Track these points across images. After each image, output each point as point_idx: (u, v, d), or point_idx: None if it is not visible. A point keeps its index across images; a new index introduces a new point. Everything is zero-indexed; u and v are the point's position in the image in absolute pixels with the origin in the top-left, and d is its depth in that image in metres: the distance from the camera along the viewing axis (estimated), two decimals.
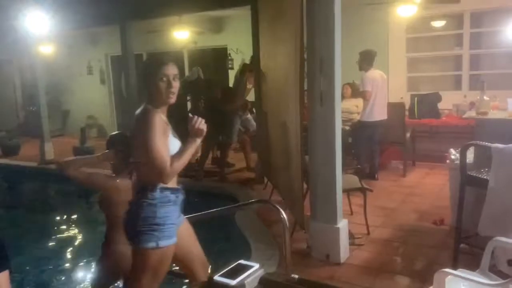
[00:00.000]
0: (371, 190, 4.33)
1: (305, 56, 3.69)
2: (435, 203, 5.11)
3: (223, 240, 4.48)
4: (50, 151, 8.90)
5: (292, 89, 3.92)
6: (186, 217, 3.56)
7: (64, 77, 12.00)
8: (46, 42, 10.02)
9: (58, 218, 6.05)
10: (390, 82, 7.65)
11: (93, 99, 11.80)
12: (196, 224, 4.17)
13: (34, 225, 5.60)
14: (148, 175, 2.17)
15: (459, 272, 2.21)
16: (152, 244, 2.10)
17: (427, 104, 6.79)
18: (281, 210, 2.89)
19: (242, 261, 1.66)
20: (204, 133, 2.25)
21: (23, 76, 12.14)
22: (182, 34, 8.76)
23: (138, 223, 2.15)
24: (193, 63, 9.98)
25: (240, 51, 9.04)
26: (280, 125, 4.56)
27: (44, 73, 9.44)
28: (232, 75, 8.70)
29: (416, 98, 6.83)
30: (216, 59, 10.09)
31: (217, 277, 1.55)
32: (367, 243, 4.06)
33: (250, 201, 3.04)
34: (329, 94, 3.50)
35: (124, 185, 2.71)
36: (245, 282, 1.53)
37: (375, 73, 6.07)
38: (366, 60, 6.02)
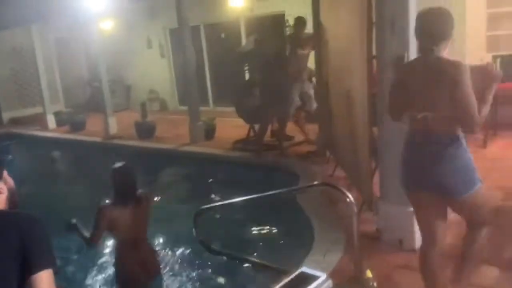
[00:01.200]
0: None
1: (373, 16, 3.24)
2: None
3: (284, 222, 4.23)
4: (113, 125, 9.09)
5: (357, 54, 3.49)
6: (244, 198, 3.36)
7: (125, 52, 12.14)
8: (106, 17, 10.11)
9: None
10: (467, 42, 6.89)
11: (154, 73, 11.88)
12: (255, 204, 4.01)
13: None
14: (454, 125, 2.24)
15: None
16: (480, 184, 2.37)
17: (510, 65, 6.00)
18: (348, 194, 2.56)
19: (305, 269, 1.37)
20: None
21: (88, 53, 12.46)
22: (237, 1, 8.40)
23: (464, 172, 2.34)
24: (250, 32, 9.63)
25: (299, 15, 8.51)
26: (344, 94, 4.15)
27: (105, 49, 9.56)
28: None
29: (498, 60, 6.06)
30: (274, 26, 9.64)
31: None
32: (448, 225, 3.62)
33: (313, 183, 2.74)
34: (403, 59, 3.03)
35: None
36: None
37: None
38: None
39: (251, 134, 6.86)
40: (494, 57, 6.19)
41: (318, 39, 5.53)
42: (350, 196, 2.49)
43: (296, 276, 1.34)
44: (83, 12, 8.34)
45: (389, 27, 3.04)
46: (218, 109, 10.54)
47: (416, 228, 3.25)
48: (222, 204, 3.35)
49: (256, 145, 6.41)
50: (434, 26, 2.30)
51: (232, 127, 7.95)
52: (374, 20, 3.22)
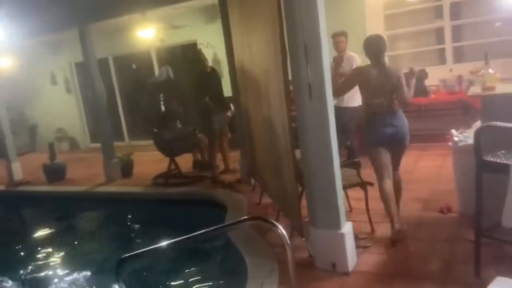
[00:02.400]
0: (371, 184, 3.94)
1: (286, 43, 3.26)
2: (437, 188, 4.78)
3: (215, 260, 4.04)
4: (18, 170, 8.29)
5: (274, 80, 3.49)
6: (172, 241, 3.13)
7: (27, 90, 11.29)
8: (3, 55, 9.35)
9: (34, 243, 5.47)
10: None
11: (61, 110, 11.16)
12: (184, 245, 3.77)
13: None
14: (396, 103, 3.71)
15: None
16: None
17: None
18: (280, 226, 2.45)
19: None
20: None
21: None
22: (147, 33, 8.20)
23: (407, 127, 3.83)
24: (162, 62, 9.44)
25: (210, 45, 8.52)
26: (263, 120, 4.13)
27: (4, 88, 8.79)
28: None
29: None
30: (186, 55, 9.56)
31: None
32: (374, 243, 3.68)
33: (241, 218, 2.60)
34: (319, 86, 3.07)
35: None
36: None
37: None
38: (346, 36, 5.76)
39: (172, 167, 6.60)
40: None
41: (233, 67, 5.52)
42: (281, 228, 2.39)
43: None
44: None
45: (303, 53, 3.06)
46: (134, 143, 10.13)
47: (348, 250, 3.26)
48: (148, 250, 3.07)
49: (211, 169, 6.20)
50: (379, 46, 3.73)
51: (151, 161, 7.63)
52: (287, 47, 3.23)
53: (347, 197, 4.38)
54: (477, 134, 2.76)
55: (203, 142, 6.79)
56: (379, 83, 3.64)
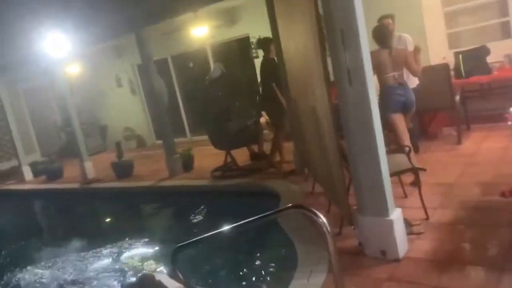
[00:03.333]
0: (424, 169, 3.81)
1: (325, 30, 3.24)
2: (500, 170, 4.50)
3: (266, 247, 4.14)
4: (90, 169, 8.93)
5: (315, 69, 3.48)
6: (221, 230, 3.28)
7: (96, 93, 12.08)
8: (71, 61, 10.06)
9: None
10: (429, 42, 6.99)
11: (127, 110, 11.82)
12: (235, 233, 3.90)
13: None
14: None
15: None
16: None
17: (474, 60, 6.08)
18: (319, 214, 2.47)
19: None
20: None
21: (58, 99, 12.33)
22: (201, 31, 8.44)
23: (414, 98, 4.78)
24: (217, 57, 9.67)
25: (261, 36, 8.57)
26: (310, 110, 4.13)
27: (74, 93, 9.48)
28: (257, 63, 8.32)
29: (460, 56, 6.14)
30: (240, 50, 9.71)
31: None
32: (427, 229, 3.57)
33: (284, 207, 2.65)
34: (358, 71, 3.03)
35: None
36: None
37: None
38: (393, 18, 5.63)
39: (228, 160, 6.78)
40: (456, 54, 6.26)
41: (281, 59, 5.54)
42: (321, 216, 2.41)
43: None
44: (48, 59, 8.27)
45: (340, 40, 3.03)
46: (195, 139, 10.48)
47: (398, 237, 3.21)
48: (200, 239, 3.22)
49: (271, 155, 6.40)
50: (382, 33, 4.74)
51: (210, 155, 7.88)
52: (325, 35, 3.22)
53: (401, 183, 4.28)
54: None
55: (261, 133, 6.92)
56: (389, 62, 4.63)
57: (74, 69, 11.13)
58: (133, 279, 3.06)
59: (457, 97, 5.83)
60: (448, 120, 6.15)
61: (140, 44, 7.33)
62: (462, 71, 6.05)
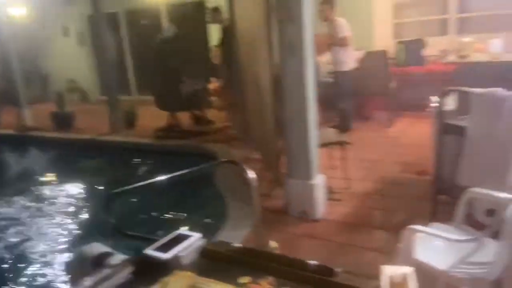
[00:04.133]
0: (348, 143, 4.16)
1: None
2: (420, 153, 4.95)
3: (199, 199, 4.38)
4: (29, 117, 8.66)
5: (261, 37, 3.67)
6: (152, 181, 3.46)
7: (40, 41, 11.53)
8: (16, 3, 9.55)
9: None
10: (376, 30, 7.37)
11: (73, 62, 11.41)
12: (171, 183, 4.11)
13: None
14: None
15: (429, 228, 2.08)
16: None
17: (412, 51, 6.52)
18: (248, 170, 2.71)
19: (181, 231, 1.50)
20: None
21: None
22: None
23: None
24: (171, 18, 9.57)
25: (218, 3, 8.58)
26: (254, 78, 4.33)
27: (17, 38, 9.04)
28: (213, 29, 8.34)
29: (400, 46, 6.56)
30: (195, 14, 9.65)
31: (148, 250, 1.40)
32: (347, 197, 3.95)
33: (215, 162, 2.87)
34: (299, 44, 3.25)
35: None
36: (180, 255, 1.37)
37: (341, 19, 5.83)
38: (331, 5, 5.76)
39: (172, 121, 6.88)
40: (399, 43, 6.67)
41: (233, 28, 5.65)
42: (249, 171, 2.65)
43: (175, 237, 1.46)
44: None
45: (286, 13, 3.23)
46: (142, 98, 10.38)
47: (318, 199, 3.54)
48: (134, 187, 3.38)
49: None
50: None
51: (155, 115, 7.89)
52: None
53: (330, 155, 4.63)
54: (441, 97, 2.94)
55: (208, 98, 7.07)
56: None
57: (18, 12, 10.54)
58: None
59: (392, 84, 6.26)
60: (382, 104, 6.59)
61: None
62: (401, 60, 6.47)
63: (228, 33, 6.35)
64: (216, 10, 6.65)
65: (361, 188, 4.13)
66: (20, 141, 7.94)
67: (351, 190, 4.10)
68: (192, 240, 1.42)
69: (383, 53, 6.23)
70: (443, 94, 2.95)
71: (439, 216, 3.13)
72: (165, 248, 1.38)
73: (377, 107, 6.77)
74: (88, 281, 1.32)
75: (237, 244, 1.46)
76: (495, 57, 3.34)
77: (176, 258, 1.35)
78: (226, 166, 4.31)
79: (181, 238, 1.43)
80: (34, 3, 10.02)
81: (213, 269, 1.38)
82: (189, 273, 1.30)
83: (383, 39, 7.23)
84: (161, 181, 3.24)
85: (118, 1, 9.76)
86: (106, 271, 1.37)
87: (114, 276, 1.35)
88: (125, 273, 1.37)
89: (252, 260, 1.35)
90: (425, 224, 2.59)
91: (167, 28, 7.27)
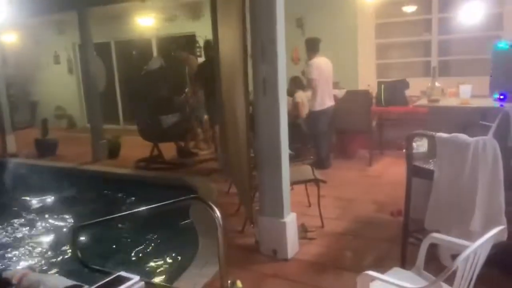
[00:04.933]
0: (324, 181, 4.16)
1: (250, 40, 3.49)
2: (396, 193, 4.90)
3: (171, 234, 4.32)
4: (12, 143, 8.61)
5: (238, 75, 3.72)
6: (126, 214, 3.41)
7: (30, 67, 11.61)
8: (8, 30, 9.65)
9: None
10: (359, 69, 7.51)
11: (62, 89, 11.46)
12: (148, 217, 4.07)
13: None
14: None
15: (384, 275, 2.05)
16: None
17: (394, 91, 6.62)
18: (215, 208, 2.68)
19: (122, 273, 1.47)
20: None
21: None
22: (147, 21, 8.46)
23: None
24: (161, 50, 9.71)
25: (207, 38, 8.74)
26: (233, 113, 4.36)
27: (7, 63, 9.10)
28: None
29: (382, 86, 6.67)
30: (184, 46, 9.78)
31: None
32: (320, 236, 3.91)
33: (184, 198, 2.85)
34: (272, 82, 3.30)
35: None
36: None
37: (319, 60, 5.97)
38: (310, 47, 5.95)
39: (155, 152, 6.87)
40: (379, 83, 6.79)
41: (218, 59, 5.74)
42: (216, 209, 2.62)
43: (112, 278, 1.43)
44: None
45: (260, 53, 3.29)
46: (128, 127, 10.38)
47: (289, 238, 3.50)
48: (101, 220, 3.33)
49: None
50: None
51: (140, 146, 7.87)
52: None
53: (307, 193, 4.61)
54: (408, 140, 2.97)
55: (194, 130, 7.11)
56: None
57: (10, 38, 10.65)
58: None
59: (374, 123, 6.33)
60: (364, 143, 6.65)
61: (81, 23, 7.25)
62: (382, 99, 6.56)
63: (207, 68, 6.47)
64: (207, 44, 6.83)
65: (335, 227, 4.10)
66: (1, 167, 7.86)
67: (324, 229, 4.07)
68: (130, 283, 1.39)
69: (364, 93, 6.34)
70: (409, 138, 2.98)
71: (409, 259, 3.11)
72: None
73: (361, 146, 6.82)
74: None
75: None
76: (464, 102, 3.41)
77: None
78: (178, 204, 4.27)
79: (120, 281, 1.40)
80: (26, 30, 10.13)
81: None
82: None
83: (367, 78, 7.37)
84: (133, 213, 3.21)
85: (111, 31, 9.89)
86: None
87: None
88: None
89: None
90: (392, 266, 2.58)
91: (154, 60, 7.37)
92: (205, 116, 7.38)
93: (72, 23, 9.94)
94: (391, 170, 6.00)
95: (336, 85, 6.59)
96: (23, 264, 4.16)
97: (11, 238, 4.83)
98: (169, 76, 7.38)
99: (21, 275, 2.71)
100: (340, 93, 6.48)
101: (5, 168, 7.65)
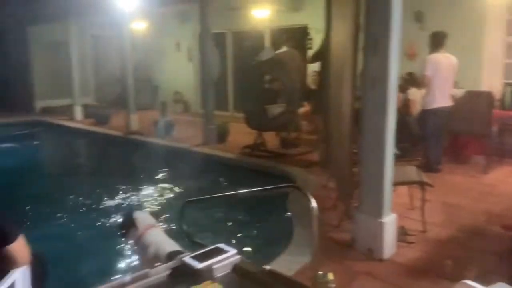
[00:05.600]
0: (430, 185, 3.94)
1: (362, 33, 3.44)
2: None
3: (269, 219, 4.46)
4: (135, 122, 9.50)
5: (347, 68, 3.68)
6: (229, 194, 3.63)
7: (155, 54, 12.64)
8: (139, 19, 10.60)
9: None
10: (483, 68, 6.91)
11: (181, 75, 12.31)
12: (245, 201, 4.26)
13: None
14: None
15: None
16: None
17: None
18: (311, 198, 2.72)
19: (221, 245, 1.58)
20: None
21: (120, 52, 13.03)
22: (262, 13, 8.69)
23: None
24: (273, 41, 9.91)
25: (320, 31, 8.71)
26: (337, 108, 4.33)
27: (135, 50, 10.02)
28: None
29: (509, 88, 6.08)
30: (296, 38, 9.87)
31: (186, 258, 1.50)
32: (420, 241, 3.74)
33: (279, 185, 2.93)
34: (382, 77, 3.21)
35: None
36: (213, 267, 1.45)
37: (439, 56, 5.55)
38: (433, 41, 5.58)
39: (259, 140, 7.09)
40: (506, 85, 6.20)
41: (327, 54, 5.72)
42: (312, 199, 2.66)
43: (210, 249, 1.55)
44: (119, 12, 8.82)
45: (372, 47, 3.22)
46: (236, 115, 10.82)
47: (386, 239, 3.41)
48: (208, 198, 3.57)
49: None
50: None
51: (247, 132, 8.19)
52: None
53: (410, 195, 4.42)
54: None
55: (296, 122, 7.19)
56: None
57: (139, 26, 11.70)
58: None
59: (495, 127, 5.81)
60: (481, 148, 6.13)
61: (202, 14, 7.70)
62: (507, 102, 5.99)
63: (324, 60, 6.46)
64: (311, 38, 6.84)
65: (438, 234, 3.88)
66: (124, 143, 8.76)
67: (426, 235, 3.87)
68: (227, 255, 1.50)
69: (487, 94, 5.82)
70: None
71: None
72: (202, 258, 1.47)
73: (476, 151, 6.31)
74: (127, 277, 1.45)
75: (268, 267, 1.50)
76: None
77: (209, 269, 1.43)
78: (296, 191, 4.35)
79: (218, 252, 1.51)
80: (153, 19, 11.04)
81: (240, 286, 1.44)
82: (216, 285, 1.38)
83: (492, 78, 6.76)
84: (235, 195, 3.39)
85: (228, 22, 10.35)
86: (145, 271, 1.50)
87: (152, 276, 1.47)
88: (162, 275, 1.49)
89: (276, 285, 1.39)
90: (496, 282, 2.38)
91: (265, 50, 7.56)
92: (307, 108, 7.42)
93: (193, 13, 10.67)
94: (509, 180, 5.47)
95: (455, 84, 6.15)
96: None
97: (127, 202, 5.43)
98: (278, 66, 7.52)
99: (147, 227, 3.08)
100: (459, 92, 6.02)
101: (129, 143, 8.53)
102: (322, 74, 6.42)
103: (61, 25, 11.29)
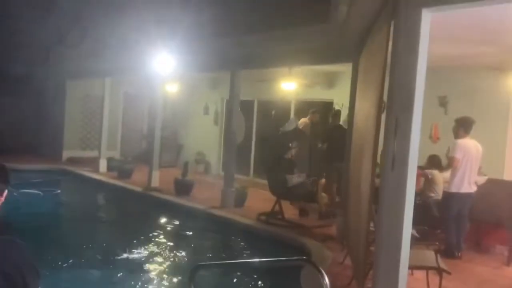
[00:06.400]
0: (448, 272, 3.81)
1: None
2: None
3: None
4: (156, 179, 9.64)
5: (368, 146, 3.74)
6: (241, 262, 3.57)
7: (183, 115, 13.08)
8: (171, 81, 11.10)
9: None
10: (507, 157, 6.85)
11: (206, 137, 12.61)
12: (260, 270, 4.19)
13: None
14: None
15: None
16: None
17: None
18: (325, 275, 2.67)
19: None
20: None
21: (150, 110, 13.55)
22: (289, 85, 9.00)
23: None
24: (298, 112, 10.15)
25: (345, 106, 8.92)
26: (357, 183, 4.34)
27: (165, 109, 10.41)
28: None
29: None
30: (321, 111, 10.10)
31: None
32: None
33: (294, 258, 2.89)
34: (403, 158, 3.23)
35: None
36: None
37: (469, 142, 5.56)
38: (463, 127, 5.58)
39: (276, 208, 7.06)
40: None
41: (351, 127, 5.84)
42: (326, 277, 2.61)
43: None
44: (153, 72, 9.28)
45: (393, 128, 3.28)
46: (256, 180, 10.87)
47: None
48: (219, 263, 3.54)
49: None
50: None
51: (265, 199, 8.17)
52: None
53: (427, 281, 4.26)
54: None
55: (317, 193, 7.19)
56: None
57: (171, 88, 12.21)
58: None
59: None
60: (504, 238, 5.93)
61: (232, 81, 8.05)
62: None
63: (338, 134, 6.60)
64: (337, 112, 7.00)
65: None
66: (142, 198, 8.87)
67: None
68: None
69: (510, 184, 5.74)
70: None
71: None
72: None
73: (499, 241, 6.10)
74: None
75: None
76: None
77: None
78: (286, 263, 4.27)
79: None
80: (184, 82, 11.54)
81: None
82: None
83: None
84: (247, 263, 3.36)
85: (256, 91, 10.73)
86: None
87: None
88: None
89: None
90: None
91: (290, 121, 7.75)
92: (323, 180, 7.44)
93: (223, 80, 11.13)
94: None
95: (478, 170, 6.09)
96: None
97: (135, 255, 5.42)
98: (300, 138, 7.67)
99: None
100: (481, 180, 5.95)
101: (147, 199, 8.62)
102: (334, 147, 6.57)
103: (97, 81, 11.92)
